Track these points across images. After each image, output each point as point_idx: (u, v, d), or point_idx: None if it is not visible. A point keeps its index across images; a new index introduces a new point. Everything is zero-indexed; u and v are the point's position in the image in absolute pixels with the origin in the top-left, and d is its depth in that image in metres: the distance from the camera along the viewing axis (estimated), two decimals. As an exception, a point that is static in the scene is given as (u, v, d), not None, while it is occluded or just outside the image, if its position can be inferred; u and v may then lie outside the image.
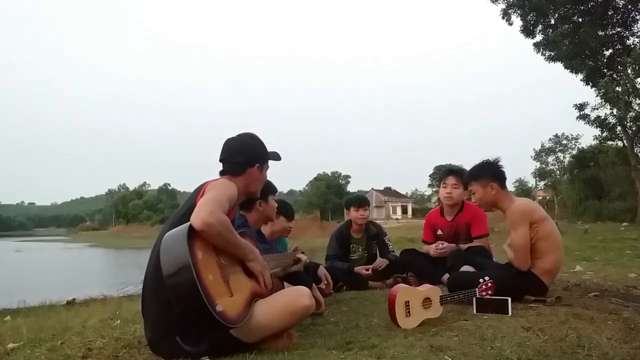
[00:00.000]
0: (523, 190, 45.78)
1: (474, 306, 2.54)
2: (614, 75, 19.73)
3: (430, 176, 64.84)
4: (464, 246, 3.70)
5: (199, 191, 2.04)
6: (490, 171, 2.91)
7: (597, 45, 19.07)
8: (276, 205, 3.02)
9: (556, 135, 42.54)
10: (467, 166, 3.18)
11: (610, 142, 23.14)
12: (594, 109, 20.37)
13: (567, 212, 25.49)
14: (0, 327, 4.16)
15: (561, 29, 18.81)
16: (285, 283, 2.53)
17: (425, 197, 72.38)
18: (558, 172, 42.13)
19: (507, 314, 2.42)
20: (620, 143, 21.78)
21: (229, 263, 1.91)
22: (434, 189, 63.20)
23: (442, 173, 4.13)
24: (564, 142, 42.17)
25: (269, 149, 2.36)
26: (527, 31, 19.81)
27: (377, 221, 5.43)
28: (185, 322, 1.83)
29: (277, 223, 3.33)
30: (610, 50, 19.89)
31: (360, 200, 4.21)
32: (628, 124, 19.63)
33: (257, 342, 1.97)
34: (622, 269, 5.46)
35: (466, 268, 3.17)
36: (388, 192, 65.54)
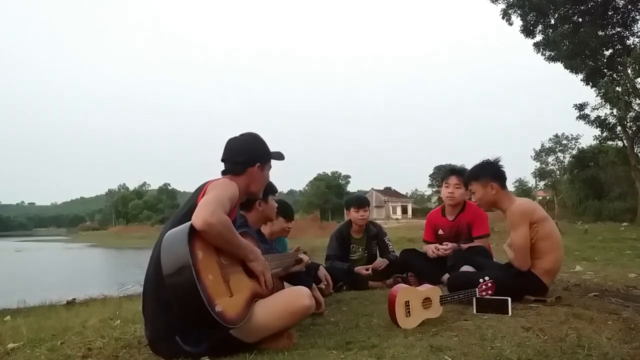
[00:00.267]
0: (523, 190, 45.80)
1: (474, 306, 2.54)
2: (614, 75, 19.74)
3: (430, 176, 64.90)
4: (464, 246, 3.71)
5: (200, 191, 2.04)
6: (491, 171, 2.91)
7: (597, 45, 19.08)
8: (276, 205, 3.02)
9: (556, 135, 42.65)
10: (468, 166, 3.18)
11: (610, 142, 23.16)
12: (594, 109, 20.41)
13: (567, 212, 25.50)
14: (0, 327, 4.16)
15: (561, 29, 18.82)
16: (285, 283, 2.53)
17: (425, 197, 72.38)
18: (558, 172, 42.18)
19: (507, 314, 2.42)
20: (620, 143, 21.79)
21: (230, 263, 1.91)
22: (434, 189, 63.27)
23: (445, 173, 4.13)
24: (564, 142, 42.26)
25: (270, 148, 2.36)
26: (527, 31, 19.82)
27: (377, 221, 5.43)
28: (185, 322, 1.83)
29: (275, 223, 3.32)
30: (610, 50, 19.90)
31: (360, 201, 4.21)
32: (628, 124, 19.65)
33: (257, 342, 1.97)
34: (622, 269, 5.47)
35: (466, 268, 3.17)
36: (388, 192, 65.54)
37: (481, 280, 2.58)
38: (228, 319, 1.77)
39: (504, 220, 3.09)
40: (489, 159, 2.98)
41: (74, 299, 8.86)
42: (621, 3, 19.22)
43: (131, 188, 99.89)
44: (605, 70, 20.14)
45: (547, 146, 43.18)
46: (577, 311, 2.48)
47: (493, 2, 19.46)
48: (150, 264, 1.98)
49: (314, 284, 2.82)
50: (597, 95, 19.14)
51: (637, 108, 18.80)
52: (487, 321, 2.28)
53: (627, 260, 7.74)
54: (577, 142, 40.32)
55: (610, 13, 19.31)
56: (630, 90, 18.00)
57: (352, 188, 67.02)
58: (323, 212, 55.21)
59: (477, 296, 2.54)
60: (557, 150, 42.93)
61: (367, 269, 4.05)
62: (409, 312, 2.32)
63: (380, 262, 4.16)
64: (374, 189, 61.95)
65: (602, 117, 20.10)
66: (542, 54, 20.22)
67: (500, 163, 2.95)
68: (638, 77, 17.61)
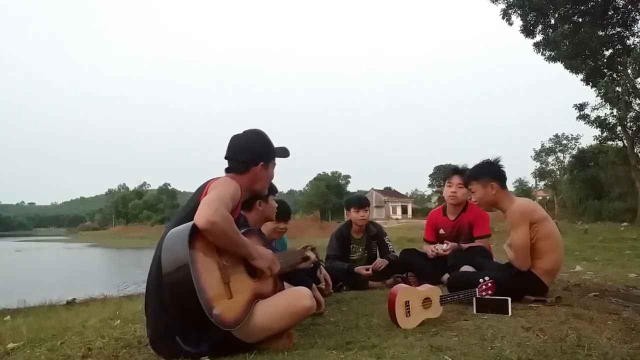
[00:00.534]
0: (523, 190, 45.80)
1: (474, 306, 2.54)
2: (614, 75, 19.75)
3: (430, 176, 64.89)
4: (464, 246, 3.70)
5: (202, 190, 2.04)
6: (491, 171, 2.91)
7: (597, 45, 19.08)
8: (276, 205, 3.02)
9: (556, 135, 42.61)
10: (470, 166, 3.18)
11: (610, 142, 23.17)
12: (594, 109, 20.42)
13: (567, 212, 25.50)
14: (0, 327, 4.16)
15: (561, 29, 18.82)
16: (285, 284, 2.53)
17: (425, 197, 72.36)
18: (558, 172, 42.16)
19: (507, 314, 2.42)
20: (620, 143, 21.81)
21: (231, 264, 1.91)
22: (434, 189, 63.26)
23: (447, 172, 4.13)
24: (564, 142, 42.22)
25: (275, 145, 2.32)
26: (527, 31, 19.82)
27: (377, 221, 5.42)
28: (185, 322, 1.83)
29: (267, 224, 3.31)
30: (610, 50, 19.91)
31: (361, 201, 4.20)
32: (628, 124, 19.65)
33: (258, 343, 1.97)
34: (622, 269, 5.47)
35: (466, 268, 3.17)
36: (388, 192, 65.52)
37: (481, 280, 2.58)
38: (226, 322, 1.77)
39: (504, 220, 3.09)
40: (489, 159, 2.97)
41: (74, 299, 8.86)
42: (621, 3, 19.23)
43: (131, 188, 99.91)
44: (605, 70, 20.14)
45: (547, 146, 43.17)
46: (577, 311, 2.48)
47: (493, 2, 19.48)
48: (152, 264, 1.98)
49: (313, 284, 2.82)
50: (597, 95, 19.16)
51: (637, 108, 18.81)
52: (487, 321, 2.28)
53: (627, 260, 7.74)
54: (577, 142, 40.34)
55: (610, 13, 19.31)
56: (630, 90, 18.00)
57: (352, 188, 67.09)
58: (323, 212, 55.18)
59: (477, 296, 2.54)
60: (557, 150, 42.90)
61: (367, 269, 4.05)
62: (409, 312, 2.32)
63: (380, 262, 4.16)
64: (374, 189, 61.94)
65: (602, 117, 20.12)
66: (542, 54, 20.23)
67: (500, 163, 2.95)
68: (638, 77, 17.61)
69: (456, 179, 3.85)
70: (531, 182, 48.61)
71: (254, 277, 2.00)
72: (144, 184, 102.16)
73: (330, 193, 62.58)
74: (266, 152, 2.28)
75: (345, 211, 4.38)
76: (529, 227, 2.72)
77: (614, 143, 22.85)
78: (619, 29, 19.58)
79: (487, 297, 2.54)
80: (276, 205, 3.02)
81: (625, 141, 20.62)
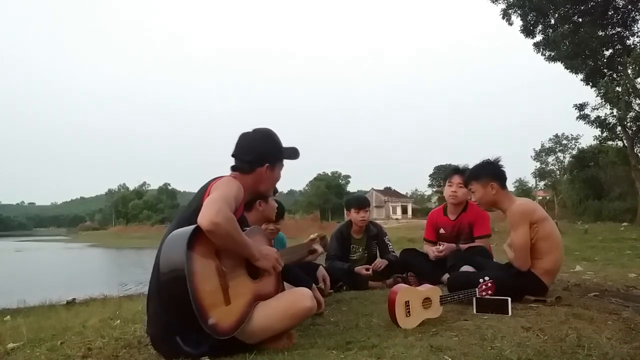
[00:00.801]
0: (523, 190, 45.80)
1: (474, 306, 2.54)
2: (614, 75, 19.74)
3: (430, 176, 64.91)
4: (464, 246, 3.70)
5: (205, 190, 2.02)
6: (491, 171, 2.91)
7: (597, 45, 19.08)
8: (276, 205, 3.01)
9: (556, 135, 42.63)
10: (469, 166, 3.18)
11: (610, 142, 23.16)
12: (594, 109, 20.40)
13: (567, 212, 25.49)
14: (0, 327, 4.16)
15: (561, 29, 18.82)
16: (285, 284, 2.53)
17: (425, 197, 72.36)
18: (558, 172, 42.16)
19: (507, 314, 2.42)
20: (620, 143, 21.80)
21: (232, 267, 1.89)
22: (434, 189, 63.26)
23: (448, 172, 4.13)
24: (564, 142, 42.24)
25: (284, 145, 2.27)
26: (527, 31, 19.81)
27: (377, 221, 5.42)
28: (185, 322, 1.83)
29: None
30: (610, 50, 19.90)
31: (361, 202, 4.19)
32: (628, 124, 19.64)
33: (258, 343, 1.97)
34: (622, 269, 5.47)
35: (466, 268, 3.17)
36: (388, 192, 65.51)
37: (481, 280, 2.58)
38: (221, 330, 1.76)
39: (504, 220, 3.09)
40: (489, 159, 2.97)
41: (74, 299, 8.85)
42: (621, 3, 19.22)
43: (131, 188, 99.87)
44: (605, 70, 20.14)
45: (547, 146, 43.19)
46: (577, 311, 2.48)
47: (493, 2, 19.47)
48: (155, 263, 1.98)
49: (313, 284, 2.82)
50: (597, 95, 19.15)
51: (637, 108, 18.79)
52: (487, 321, 2.28)
53: (627, 260, 7.74)
54: (577, 142, 40.38)
55: (610, 13, 19.30)
56: (630, 90, 17.99)
57: (352, 188, 67.08)
58: (323, 212, 55.16)
59: (477, 296, 2.54)
60: (557, 150, 42.91)
61: (367, 269, 4.05)
62: (409, 312, 2.32)
63: (380, 262, 4.15)
64: (374, 189, 61.93)
65: (602, 117, 20.10)
66: (542, 54, 20.22)
67: (501, 163, 2.95)
68: (638, 77, 17.60)
69: (457, 179, 3.85)
70: (531, 182, 48.69)
71: (256, 277, 2.00)
72: (144, 184, 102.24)
73: (330, 193, 62.59)
74: (273, 153, 2.23)
75: (345, 211, 4.37)
76: (529, 227, 2.72)
77: (614, 143, 22.84)
78: (619, 29, 19.57)
79: (487, 297, 2.54)
80: (276, 205, 3.01)
81: (625, 141, 20.60)
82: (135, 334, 2.47)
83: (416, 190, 77.55)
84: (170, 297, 1.76)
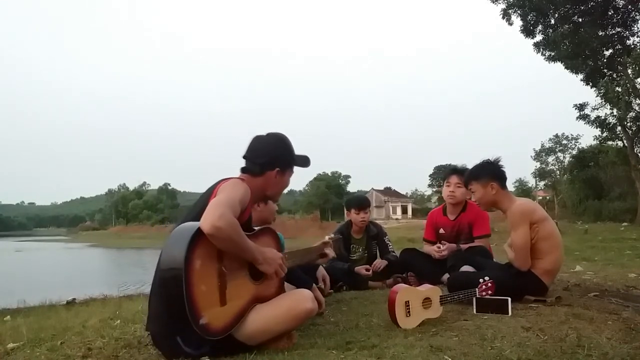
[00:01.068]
0: (523, 190, 45.78)
1: (474, 306, 2.54)
2: (614, 75, 19.74)
3: (430, 176, 64.87)
4: (464, 246, 3.70)
5: (212, 191, 2.02)
6: (491, 171, 2.91)
7: (597, 45, 19.07)
8: (276, 208, 3.01)
9: (556, 135, 42.58)
10: (469, 166, 3.18)
11: (610, 142, 23.15)
12: (594, 109, 20.41)
13: (567, 212, 25.50)
14: (0, 327, 4.15)
15: (561, 29, 18.83)
16: (286, 284, 2.53)
17: (425, 197, 72.33)
18: (558, 172, 42.12)
19: (507, 314, 2.41)
20: (620, 143, 21.80)
21: (234, 268, 1.89)
22: (434, 189, 63.23)
23: (446, 172, 4.13)
24: (564, 142, 42.19)
25: (295, 152, 2.27)
26: (527, 31, 19.82)
27: (377, 221, 5.42)
28: (185, 323, 1.83)
29: None
30: (610, 50, 19.91)
31: (361, 203, 4.18)
32: (628, 124, 19.65)
33: (259, 344, 1.97)
34: (622, 269, 5.47)
35: (466, 268, 3.17)
36: (388, 192, 65.48)
37: (481, 280, 2.58)
38: (212, 331, 1.76)
39: (504, 220, 3.09)
40: (489, 159, 2.97)
41: (74, 299, 8.84)
42: (621, 3, 19.22)
43: (131, 188, 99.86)
44: (605, 70, 20.14)
45: (547, 146, 43.13)
46: (577, 311, 2.48)
47: (493, 2, 19.48)
48: (159, 261, 1.99)
49: (313, 284, 2.82)
50: (597, 95, 19.15)
51: (637, 108, 18.79)
52: (487, 321, 2.28)
53: (627, 260, 7.73)
54: (577, 142, 40.32)
55: (610, 13, 19.31)
56: (630, 90, 17.99)
57: (352, 188, 67.03)
58: (323, 212, 55.16)
59: (477, 296, 2.54)
60: (557, 150, 42.86)
61: (367, 269, 4.04)
62: (409, 312, 2.32)
63: (379, 262, 4.15)
64: (374, 189, 61.90)
65: (602, 117, 20.11)
66: (542, 54, 20.23)
67: (501, 163, 2.95)
68: (638, 77, 17.60)
69: (454, 179, 3.85)
70: (531, 182, 48.65)
71: (258, 279, 1.99)
72: (144, 184, 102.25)
73: (330, 193, 62.54)
74: (285, 158, 2.23)
75: (345, 211, 4.37)
76: (529, 227, 2.72)
77: (614, 143, 22.84)
78: (619, 29, 19.57)
79: (487, 297, 2.54)
80: (276, 208, 3.00)
81: (625, 141, 20.61)
82: (135, 334, 2.46)
83: (416, 190, 77.60)
84: (169, 296, 1.76)
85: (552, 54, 19.95)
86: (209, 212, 1.78)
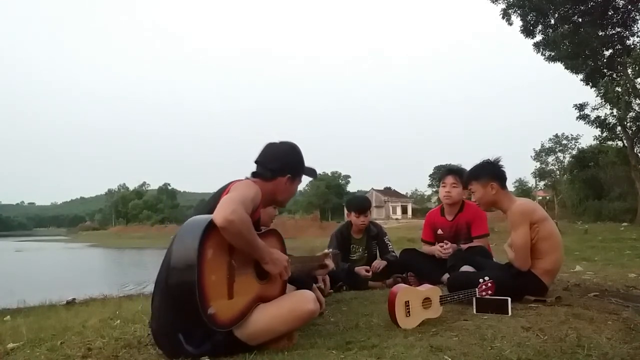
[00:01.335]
0: (523, 190, 45.76)
1: (474, 306, 2.54)
2: (614, 76, 19.71)
3: (430, 176, 64.87)
4: (464, 246, 3.70)
5: (224, 190, 2.05)
6: (491, 171, 2.91)
7: (597, 45, 19.07)
8: (275, 213, 3.01)
9: (556, 135, 42.54)
10: (467, 166, 3.18)
11: (610, 142, 23.14)
12: (594, 109, 20.38)
13: (567, 212, 25.48)
14: (0, 327, 4.15)
15: (561, 29, 18.83)
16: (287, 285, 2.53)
17: (425, 197, 72.34)
18: (558, 172, 42.09)
19: (507, 314, 2.41)
20: (620, 143, 21.78)
21: (242, 264, 1.91)
22: (434, 189, 63.18)
23: (441, 173, 4.15)
24: (564, 142, 42.14)
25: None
26: (527, 31, 19.81)
27: (377, 221, 5.42)
28: (189, 317, 1.84)
29: None
30: (610, 50, 19.89)
31: (361, 207, 4.16)
32: (628, 124, 19.62)
33: (260, 344, 1.97)
34: (622, 269, 5.46)
35: (466, 268, 3.16)
36: (388, 192, 65.51)
37: (481, 280, 2.58)
38: (219, 322, 1.77)
39: (504, 220, 3.09)
40: (489, 159, 2.97)
41: (74, 299, 8.83)
42: (621, 3, 19.22)
43: (131, 188, 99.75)
44: (605, 70, 20.13)
45: (547, 146, 43.09)
46: (577, 311, 2.48)
47: (493, 2, 19.47)
48: (165, 256, 2.00)
49: (314, 284, 2.82)
50: (597, 95, 19.14)
51: (637, 108, 18.76)
52: (487, 321, 2.28)
53: (627, 260, 7.73)
54: (577, 142, 40.27)
55: (610, 13, 19.30)
56: (630, 90, 17.97)
57: (352, 188, 67.00)
58: (323, 212, 55.14)
59: (477, 296, 2.54)
60: (557, 150, 42.82)
61: (367, 270, 4.04)
62: (408, 312, 2.32)
63: (378, 263, 4.15)
64: (374, 189, 61.93)
65: (602, 117, 20.08)
66: (542, 54, 20.22)
67: (501, 163, 2.95)
68: (638, 77, 17.58)
69: (450, 179, 3.86)
70: (531, 182, 48.60)
71: (263, 279, 2.00)
72: (144, 184, 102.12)
73: (330, 193, 62.51)
74: (296, 166, 2.30)
75: (345, 211, 4.37)
76: (529, 227, 2.72)
77: (614, 143, 22.82)
78: (619, 29, 19.57)
79: (487, 297, 2.54)
80: (275, 213, 3.00)
81: (625, 141, 20.59)
82: (135, 334, 2.46)
83: (416, 190, 77.62)
84: (180, 283, 1.77)
85: (552, 54, 19.94)
86: (222, 206, 1.81)
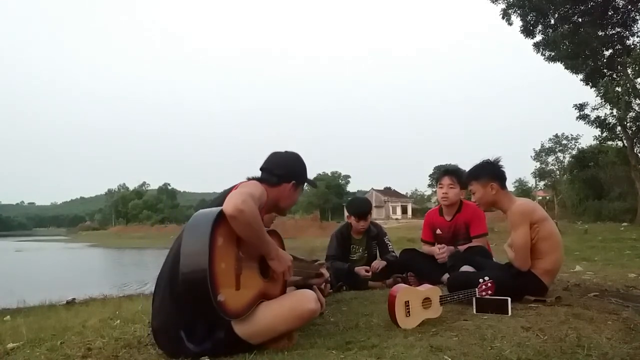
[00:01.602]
0: (523, 190, 45.75)
1: (474, 306, 2.54)
2: (614, 76, 19.70)
3: (430, 176, 64.79)
4: (461, 247, 3.70)
5: (231, 189, 2.08)
6: (491, 171, 2.91)
7: (597, 46, 19.07)
8: (274, 216, 3.01)
9: (556, 135, 42.51)
10: (467, 166, 3.17)
11: (610, 142, 23.13)
12: (594, 109, 20.36)
13: (567, 212, 25.48)
14: (0, 327, 4.15)
15: (561, 29, 18.82)
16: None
17: (425, 197, 72.32)
18: (558, 172, 42.07)
19: (507, 314, 2.41)
20: (620, 143, 21.76)
21: (247, 258, 1.92)
22: (434, 189, 63.13)
23: (438, 174, 4.17)
24: (564, 142, 42.11)
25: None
26: (527, 31, 19.80)
27: (377, 221, 5.42)
28: (194, 309, 1.83)
29: None
30: (610, 50, 19.89)
31: (361, 212, 4.14)
32: (628, 124, 19.61)
33: (261, 344, 1.97)
34: (622, 269, 5.47)
35: (466, 268, 3.16)
36: (388, 192, 65.52)
37: (481, 280, 2.58)
38: (228, 311, 1.77)
39: (504, 220, 3.09)
40: (489, 159, 2.97)
41: (74, 299, 8.84)
42: (621, 3, 19.21)
43: (131, 188, 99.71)
44: (605, 70, 20.11)
45: (547, 146, 43.05)
46: (577, 311, 2.48)
47: (493, 2, 19.46)
48: (169, 253, 2.00)
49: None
50: (597, 95, 19.12)
51: (637, 108, 18.74)
52: (487, 321, 2.28)
53: (627, 260, 7.73)
54: (577, 142, 40.23)
55: (610, 13, 19.29)
56: (630, 90, 17.95)
57: (352, 188, 67.07)
58: (323, 212, 55.14)
59: (477, 296, 2.54)
60: (557, 150, 42.79)
61: (367, 270, 4.04)
62: (408, 312, 2.32)
63: (378, 263, 4.14)
64: (374, 189, 61.95)
65: (602, 117, 20.06)
66: (542, 54, 20.20)
67: (500, 163, 2.95)
68: (638, 77, 17.57)
69: (447, 180, 3.87)
70: (531, 182, 48.57)
71: (266, 277, 2.01)
72: (144, 183, 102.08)
73: (330, 193, 62.52)
74: (300, 174, 2.37)
75: (345, 213, 4.37)
76: (529, 227, 2.72)
77: (614, 143, 22.80)
78: (619, 29, 19.56)
79: (487, 297, 2.54)
80: (274, 216, 3.00)
81: (625, 141, 20.58)
82: (135, 334, 2.46)
83: (416, 190, 77.58)
84: (190, 270, 1.74)
85: (552, 54, 19.93)
86: (232, 197, 1.83)
